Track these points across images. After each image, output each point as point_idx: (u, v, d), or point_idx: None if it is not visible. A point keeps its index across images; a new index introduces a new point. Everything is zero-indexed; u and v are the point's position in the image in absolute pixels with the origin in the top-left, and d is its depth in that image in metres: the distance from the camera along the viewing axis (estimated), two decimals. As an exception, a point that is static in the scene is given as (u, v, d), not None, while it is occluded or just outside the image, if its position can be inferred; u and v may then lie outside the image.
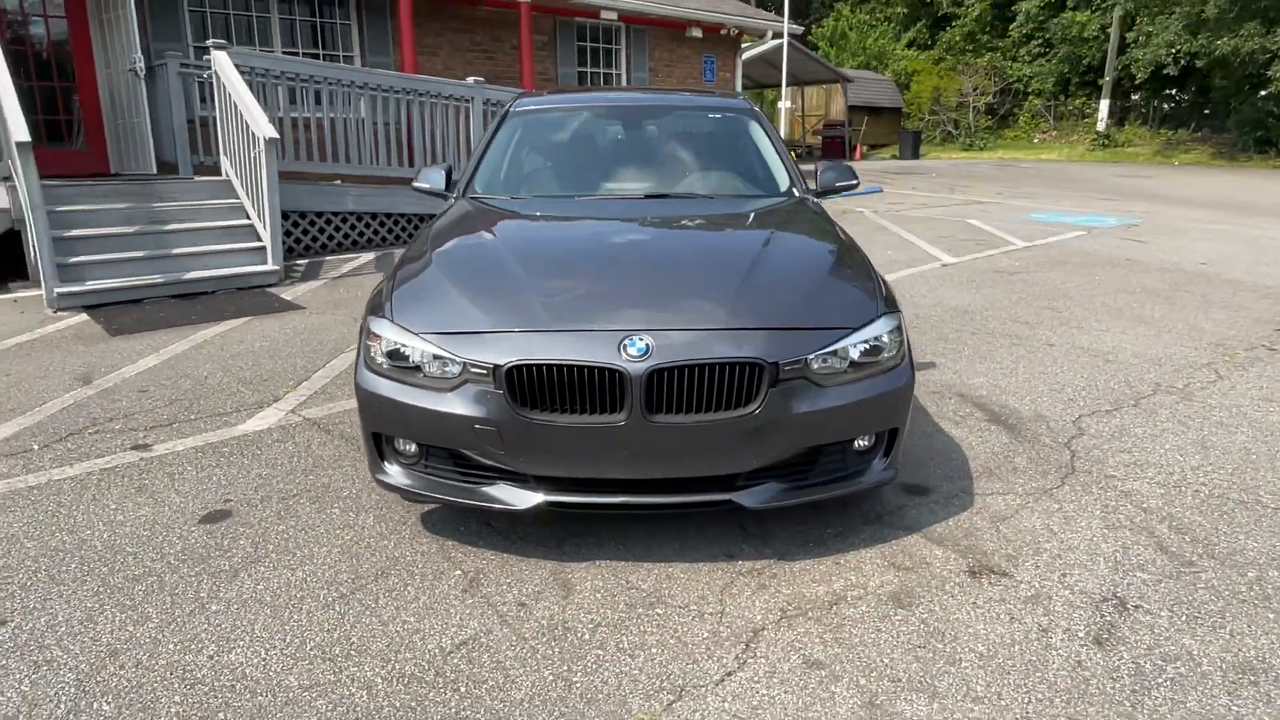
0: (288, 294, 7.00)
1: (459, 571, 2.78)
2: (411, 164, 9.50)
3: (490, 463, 2.70)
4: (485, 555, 2.88)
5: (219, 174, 8.38)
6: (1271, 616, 2.53)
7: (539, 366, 2.57)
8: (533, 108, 4.64)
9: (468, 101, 9.74)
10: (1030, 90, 32.26)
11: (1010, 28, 32.12)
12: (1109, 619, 2.52)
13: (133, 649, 2.39)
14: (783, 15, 18.88)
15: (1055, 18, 30.17)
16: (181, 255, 7.15)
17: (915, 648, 2.39)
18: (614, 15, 14.02)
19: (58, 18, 9.06)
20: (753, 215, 3.74)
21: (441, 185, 4.14)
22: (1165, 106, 29.40)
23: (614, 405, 2.56)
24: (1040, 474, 3.53)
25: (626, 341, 2.57)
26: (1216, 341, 5.52)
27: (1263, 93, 23.72)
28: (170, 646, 2.40)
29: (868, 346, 2.79)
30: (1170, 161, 25.08)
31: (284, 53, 10.55)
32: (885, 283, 3.15)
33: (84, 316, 6.15)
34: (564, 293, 2.87)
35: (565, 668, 2.32)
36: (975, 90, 32.17)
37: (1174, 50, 24.04)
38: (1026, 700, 2.18)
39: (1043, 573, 2.77)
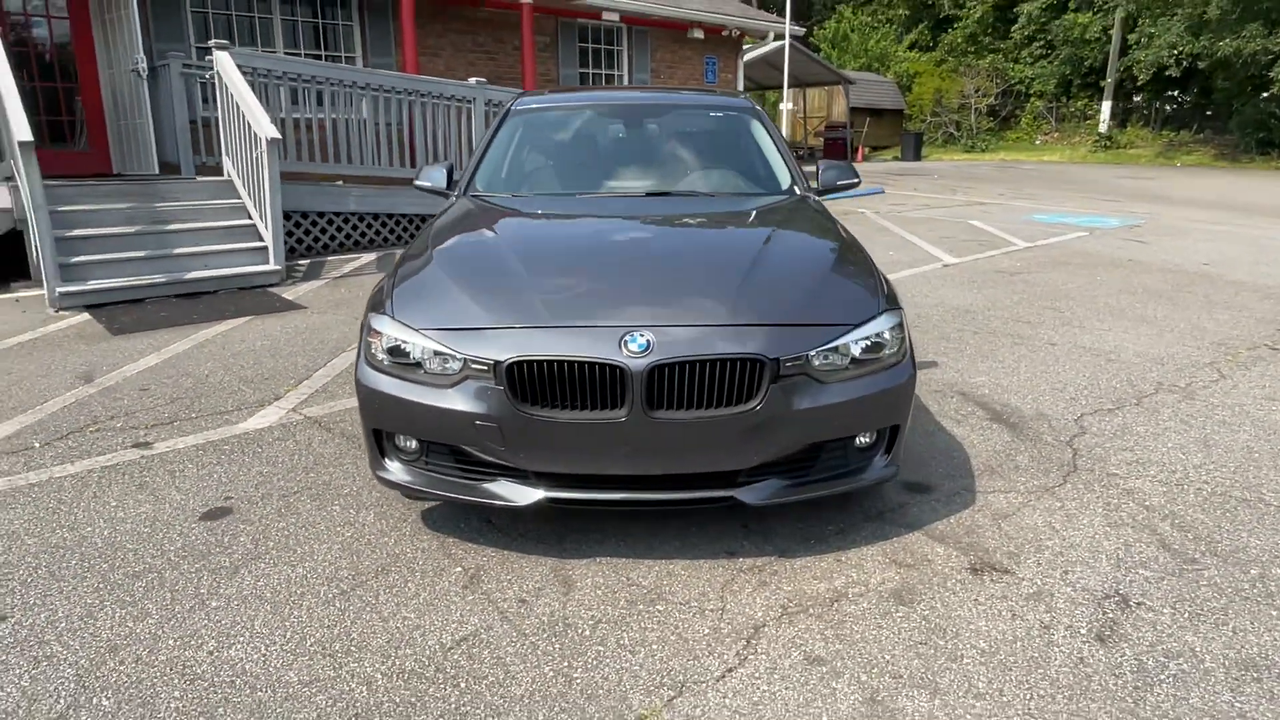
0: (289, 294, 7.00)
1: (459, 568, 2.78)
2: (413, 164, 9.51)
3: (491, 459, 2.69)
4: (486, 552, 2.87)
5: (221, 174, 8.39)
6: (1274, 613, 2.52)
7: (540, 362, 2.57)
8: (534, 106, 4.64)
9: (469, 102, 9.74)
10: (1032, 92, 32.25)
11: (1012, 29, 32.12)
12: (1111, 616, 2.51)
13: (133, 645, 2.38)
14: (784, 17, 18.89)
15: (1057, 19, 30.17)
16: (183, 255, 7.16)
17: (917, 644, 2.39)
18: (616, 16, 14.03)
19: (60, 18, 9.07)
20: (754, 213, 3.74)
21: (443, 183, 4.14)
22: (1167, 108, 29.38)
23: (615, 401, 2.56)
24: (1042, 472, 3.52)
25: (627, 337, 2.57)
26: (1219, 341, 5.51)
27: (1265, 94, 23.73)
28: (170, 642, 2.39)
29: (869, 343, 2.78)
30: (1172, 163, 25.06)
31: (286, 53, 10.56)
32: (886, 280, 3.14)
33: (86, 316, 6.16)
34: (565, 289, 2.87)
35: (566, 664, 2.31)
36: (977, 92, 32.17)
37: (1176, 52, 24.04)
38: (1028, 697, 2.17)
39: (1045, 570, 2.76)
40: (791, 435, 2.68)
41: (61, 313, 6.25)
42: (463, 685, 2.23)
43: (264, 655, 2.34)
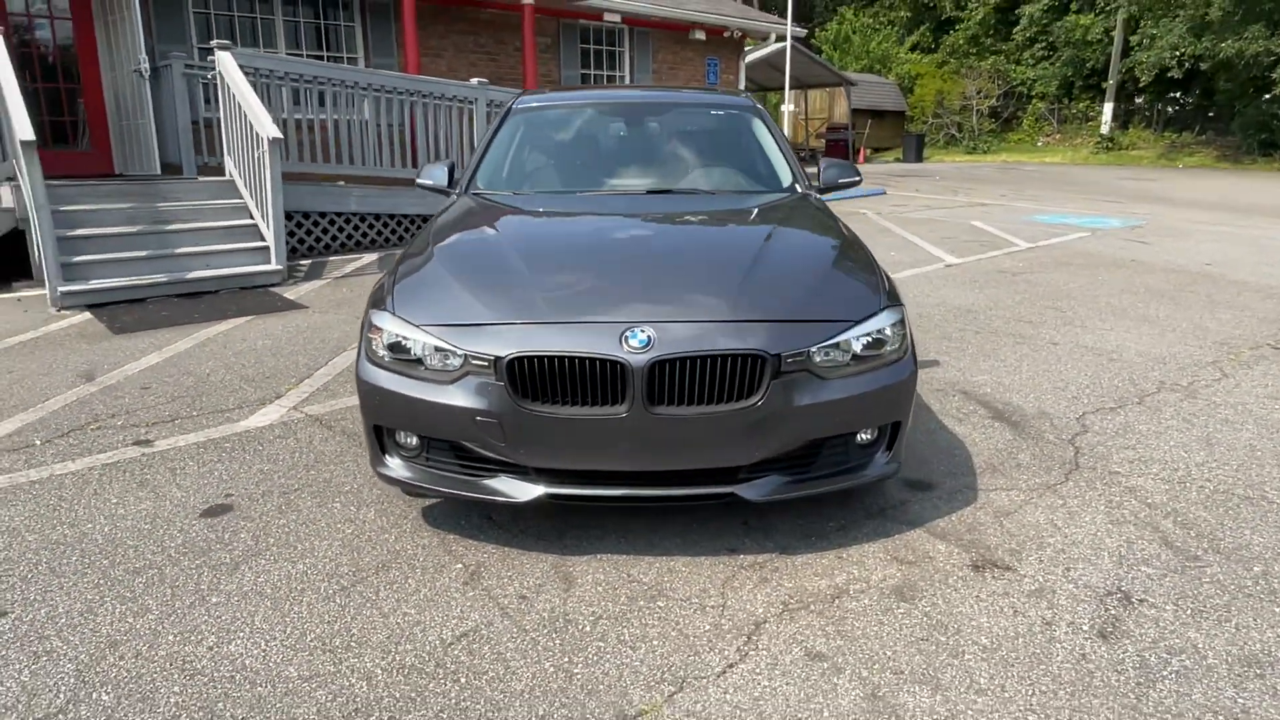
0: (291, 293, 7.00)
1: (460, 565, 2.77)
2: (415, 165, 9.52)
3: (491, 455, 2.69)
4: (486, 548, 2.87)
5: (223, 174, 8.40)
6: (1277, 610, 2.52)
7: (540, 358, 2.56)
8: (535, 104, 4.64)
9: (471, 103, 9.75)
10: (1034, 93, 32.26)
11: (1014, 31, 32.13)
12: (1113, 612, 2.50)
13: (133, 640, 2.38)
14: (786, 18, 18.91)
15: (1059, 21, 30.18)
16: (185, 255, 7.16)
17: (918, 640, 2.38)
18: (617, 18, 14.04)
19: (63, 19, 9.09)
20: (756, 210, 3.74)
21: (444, 182, 4.14)
22: (1169, 109, 29.38)
23: (615, 397, 2.56)
24: (1044, 470, 3.51)
25: (628, 333, 2.57)
26: (1221, 340, 5.50)
27: (1267, 96, 23.72)
28: (170, 638, 2.39)
29: (870, 339, 2.78)
30: (1174, 164, 25.05)
31: (288, 54, 10.57)
32: (888, 277, 3.14)
33: (87, 315, 6.16)
34: (566, 286, 2.86)
35: (566, 659, 2.31)
36: (979, 94, 32.17)
37: (1178, 53, 24.04)
38: (1030, 693, 2.17)
39: (1046, 567, 2.75)
40: (793, 431, 2.67)
41: (63, 312, 6.26)
42: (463, 680, 2.22)
43: (264, 651, 2.34)
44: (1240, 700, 2.14)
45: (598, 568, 2.75)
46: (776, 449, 2.68)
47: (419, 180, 4.23)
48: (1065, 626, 2.43)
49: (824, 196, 4.13)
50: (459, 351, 2.65)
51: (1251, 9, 21.91)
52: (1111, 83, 28.40)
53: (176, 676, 2.23)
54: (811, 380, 2.66)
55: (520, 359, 2.57)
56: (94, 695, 2.16)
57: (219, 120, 8.33)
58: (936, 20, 36.73)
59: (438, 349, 2.68)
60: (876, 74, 34.21)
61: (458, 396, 2.64)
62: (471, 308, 2.77)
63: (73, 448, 3.75)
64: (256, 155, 7.50)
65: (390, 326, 2.79)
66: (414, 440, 2.82)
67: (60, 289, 6.31)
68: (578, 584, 2.67)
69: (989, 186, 17.82)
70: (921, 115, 33.65)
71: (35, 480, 3.42)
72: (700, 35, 15.61)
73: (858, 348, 2.75)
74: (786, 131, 24.71)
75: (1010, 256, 8.91)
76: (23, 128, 6.15)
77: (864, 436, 2.86)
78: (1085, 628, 2.43)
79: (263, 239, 7.58)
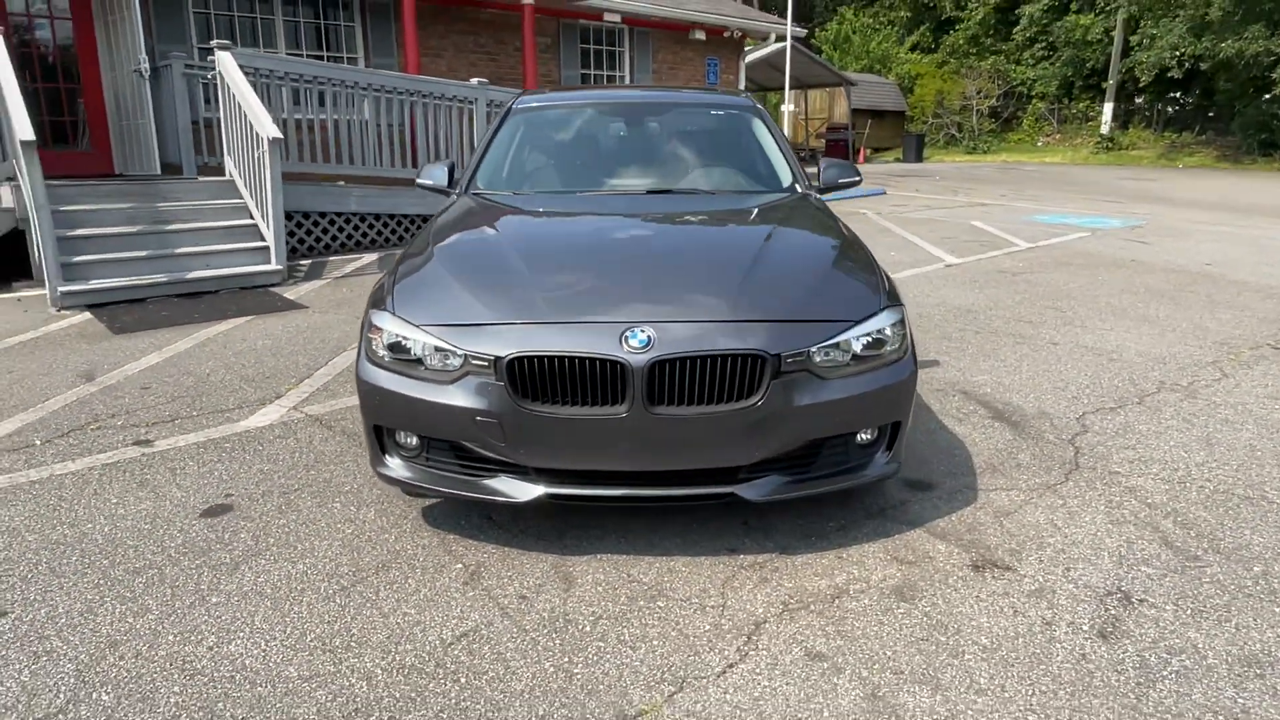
0: (291, 293, 7.00)
1: (460, 565, 2.77)
2: (415, 165, 9.52)
3: (491, 455, 2.69)
4: (486, 549, 2.87)
5: (223, 174, 8.40)
6: (1278, 610, 2.52)
7: (540, 358, 2.56)
8: (535, 104, 4.64)
9: (471, 103, 9.75)
10: (1034, 93, 32.26)
11: (1014, 31, 32.13)
12: (1113, 612, 2.50)
13: (133, 640, 2.38)
14: (786, 18, 18.91)
15: (1059, 21, 30.18)
16: (185, 255, 7.16)
17: (918, 640, 2.38)
18: (617, 18, 14.04)
19: (63, 19, 9.09)
20: (756, 210, 3.74)
21: (444, 182, 4.14)
22: (1169, 110, 29.38)
23: (615, 397, 2.56)
24: (1044, 470, 3.51)
25: (628, 333, 2.57)
26: (1221, 340, 5.50)
27: (1267, 96, 23.72)
28: (170, 638, 2.39)
29: (870, 339, 2.78)
30: (1175, 164, 25.05)
31: (288, 54, 10.57)
32: (888, 276, 3.14)
33: (87, 315, 6.16)
34: (566, 286, 2.86)
35: (566, 659, 2.31)
36: (979, 94, 32.17)
37: (1178, 53, 24.04)
38: (1030, 692, 2.17)
39: (1046, 567, 2.75)
40: (792, 431, 2.67)
41: (63, 312, 6.26)
42: (463, 680, 2.22)
43: (264, 651, 2.34)
44: (1240, 700, 2.14)
45: (598, 568, 2.75)
46: (776, 449, 2.68)
47: (419, 180, 4.23)
48: (1065, 626, 2.43)
49: (824, 196, 4.13)
50: (459, 351, 2.65)
51: (1251, 9, 21.91)
52: (1111, 83, 28.40)
53: (176, 676, 2.23)
54: (811, 380, 2.66)
55: (520, 359, 2.57)
56: (94, 695, 2.16)
57: (219, 120, 8.33)
58: (936, 20, 36.74)
59: (438, 349, 2.68)
60: (876, 74, 34.22)
61: (458, 396, 2.64)
62: (471, 308, 2.77)
63: (73, 448, 3.75)
64: (256, 155, 7.50)
65: (390, 326, 2.79)
66: (414, 440, 2.82)
67: (60, 289, 6.31)
68: (578, 584, 2.66)
69: (989, 186, 17.82)
70: (921, 115, 33.65)
71: (35, 480, 3.42)
72: (700, 35, 15.61)
73: (858, 348, 2.75)
74: (786, 132, 24.71)
75: (1010, 256, 8.91)
76: (23, 128, 6.15)
77: (864, 436, 2.86)
78: (1085, 628, 2.43)
79: (263, 239, 7.58)
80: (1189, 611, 2.51)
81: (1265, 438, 3.86)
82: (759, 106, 4.67)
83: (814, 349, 2.66)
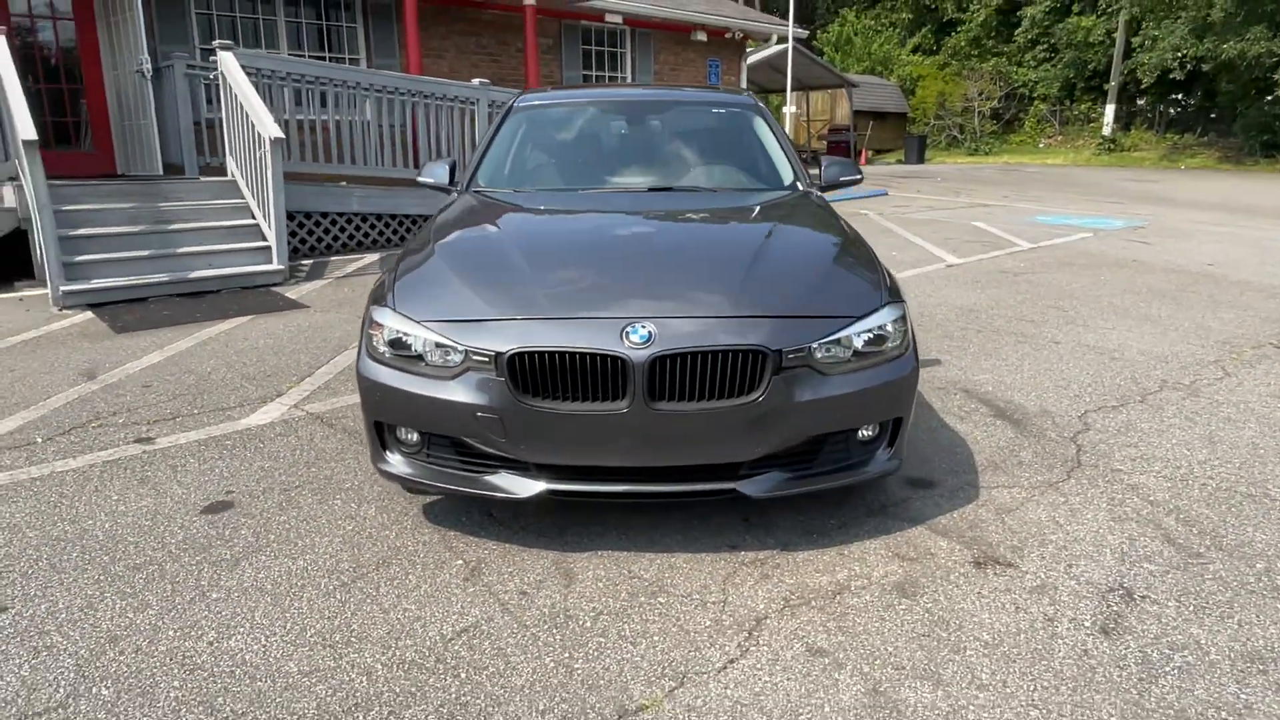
0: (292, 293, 7.01)
1: (460, 561, 2.77)
2: (417, 165, 9.52)
3: (492, 451, 2.69)
4: (487, 545, 2.87)
5: (225, 175, 8.40)
6: (1280, 607, 2.51)
7: (541, 353, 2.56)
8: (537, 103, 4.64)
9: (473, 103, 9.75)
10: (1036, 95, 32.25)
11: (1015, 33, 32.14)
12: (1116, 609, 2.49)
13: (133, 635, 2.38)
14: (787, 20, 18.92)
15: (1061, 23, 30.18)
16: (186, 254, 7.17)
17: (919, 636, 2.37)
18: (619, 19, 14.05)
19: (66, 20, 9.11)
20: (757, 208, 3.73)
21: (445, 179, 4.14)
22: (1171, 111, 29.37)
23: (616, 393, 2.55)
24: (1046, 468, 3.50)
25: (629, 329, 2.56)
26: (1224, 340, 5.49)
27: (1269, 97, 23.69)
28: (170, 633, 2.39)
29: (871, 335, 2.77)
30: (1176, 166, 25.03)
31: (290, 55, 10.58)
32: (889, 273, 3.13)
33: (89, 314, 6.17)
34: (567, 282, 2.86)
35: (567, 654, 2.30)
36: (980, 95, 32.17)
37: (1180, 54, 24.03)
38: (1032, 688, 2.16)
39: (1048, 564, 2.75)
40: (793, 427, 2.67)
41: (65, 311, 6.27)
42: (463, 675, 2.22)
43: (264, 646, 2.33)
44: (1243, 696, 2.13)
45: (598, 564, 2.75)
46: (778, 445, 2.67)
47: (420, 178, 4.23)
48: (1067, 623, 2.43)
49: (825, 194, 4.13)
50: (460, 347, 2.64)
51: (1253, 10, 21.90)
52: (1113, 84, 28.39)
53: (176, 671, 2.23)
54: (813, 376, 2.66)
55: (521, 354, 2.56)
56: (94, 690, 2.16)
57: (221, 120, 8.34)
58: (938, 22, 36.75)
59: (438, 345, 2.68)
60: (878, 76, 34.22)
61: (458, 392, 2.63)
62: (472, 304, 2.77)
63: (74, 445, 3.75)
64: (258, 155, 7.51)
65: (391, 323, 2.79)
66: (415, 436, 2.82)
67: (62, 288, 6.31)
68: (578, 580, 2.66)
69: (991, 188, 17.81)
70: (923, 117, 33.64)
71: (36, 477, 3.42)
72: (702, 36, 15.62)
73: (859, 344, 2.75)
74: (788, 133, 24.69)
75: (1012, 257, 8.90)
76: (25, 127, 6.16)
77: (865, 433, 2.85)
78: (1087, 624, 2.42)
79: (264, 239, 7.59)
80: (1191, 608, 2.50)
81: (1268, 436, 3.85)
82: (760, 104, 4.66)
83: (815, 345, 2.66)
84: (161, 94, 8.74)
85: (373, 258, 8.79)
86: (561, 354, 2.55)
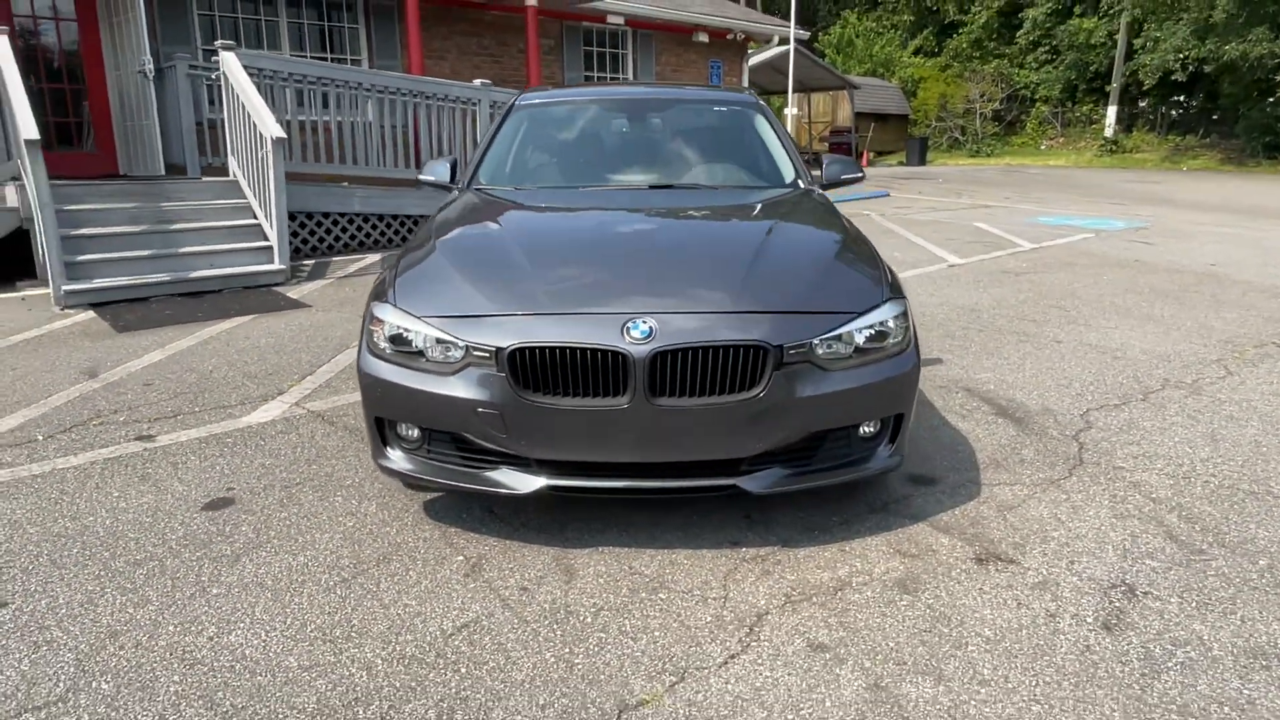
0: (294, 293, 7.01)
1: (461, 557, 2.77)
2: (418, 166, 9.51)
3: (493, 447, 2.68)
4: (488, 541, 2.86)
5: (226, 175, 8.41)
6: (1283, 603, 2.50)
7: (542, 349, 2.56)
8: (538, 101, 4.65)
9: (474, 104, 9.76)
10: (1037, 97, 32.24)
11: (1017, 35, 32.13)
12: (1118, 605, 2.49)
13: (133, 630, 2.37)
14: (789, 21, 18.93)
15: (1062, 24, 30.18)
16: (188, 254, 7.18)
17: (921, 632, 2.37)
18: (621, 20, 14.06)
19: (68, 21, 9.13)
20: (758, 205, 3.73)
21: (446, 177, 4.14)
22: (1173, 113, 29.35)
23: (617, 388, 2.55)
24: (1048, 465, 3.49)
25: (630, 324, 2.56)
26: (1226, 339, 5.48)
27: (1271, 99, 23.67)
28: (170, 628, 2.39)
29: (873, 331, 2.77)
30: (1178, 167, 25.01)
31: (292, 55, 10.60)
32: (890, 270, 3.13)
33: (91, 314, 6.17)
34: (568, 279, 2.86)
35: (567, 650, 2.30)
36: (982, 97, 32.16)
37: (1181, 56, 24.02)
38: (1034, 683, 2.15)
39: (1050, 560, 2.74)
40: (794, 423, 2.66)
41: (67, 310, 6.27)
42: (463, 670, 2.21)
43: (264, 641, 2.33)
44: (1246, 691, 2.12)
45: (599, 560, 2.74)
46: (779, 441, 2.67)
47: (421, 176, 4.24)
48: (1069, 619, 2.42)
49: (826, 193, 4.12)
50: (460, 343, 2.64)
51: (1255, 11, 21.89)
52: (1115, 86, 28.38)
53: (176, 666, 2.23)
54: (814, 372, 2.65)
55: (522, 350, 2.56)
56: (94, 684, 2.16)
57: (223, 121, 8.35)
58: (939, 24, 36.75)
59: (439, 340, 2.68)
60: (880, 78, 34.23)
61: (459, 388, 2.63)
62: (473, 300, 2.77)
63: (75, 442, 3.75)
64: (260, 156, 7.52)
65: (392, 318, 2.79)
66: (415, 432, 2.81)
67: (64, 288, 6.32)
68: (579, 576, 2.66)
69: (993, 189, 17.80)
70: (925, 119, 33.64)
71: (37, 474, 3.42)
72: (703, 38, 15.63)
73: (860, 339, 2.74)
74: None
75: (1014, 257, 8.90)
76: (27, 127, 6.17)
77: (866, 429, 2.85)
78: (1089, 620, 2.41)
79: (266, 239, 7.60)
80: (1194, 604, 2.49)
81: (1270, 434, 3.84)
82: (761, 103, 4.66)
83: (816, 340, 2.65)
84: (164, 94, 8.76)
85: (374, 258, 8.80)
86: (562, 349, 2.55)
